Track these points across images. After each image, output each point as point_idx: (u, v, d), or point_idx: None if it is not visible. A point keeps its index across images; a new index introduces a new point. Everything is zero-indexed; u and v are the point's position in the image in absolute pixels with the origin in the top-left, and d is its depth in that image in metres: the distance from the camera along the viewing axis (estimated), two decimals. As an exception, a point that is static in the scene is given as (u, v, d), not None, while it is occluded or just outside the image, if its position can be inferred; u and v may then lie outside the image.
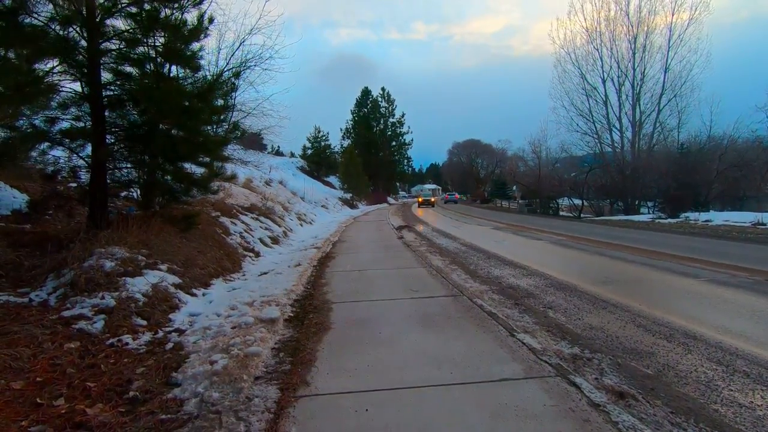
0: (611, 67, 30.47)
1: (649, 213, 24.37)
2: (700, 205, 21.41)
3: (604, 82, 30.81)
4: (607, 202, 29.89)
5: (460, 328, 4.26)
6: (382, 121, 56.01)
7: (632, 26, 29.57)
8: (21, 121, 5.56)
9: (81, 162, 6.21)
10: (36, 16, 5.27)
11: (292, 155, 50.84)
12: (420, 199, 46.28)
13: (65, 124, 5.92)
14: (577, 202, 30.58)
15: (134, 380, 3.05)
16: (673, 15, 28.64)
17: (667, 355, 3.59)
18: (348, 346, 3.81)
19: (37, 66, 5.42)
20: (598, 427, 2.42)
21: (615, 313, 4.83)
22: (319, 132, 47.72)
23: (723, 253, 9.07)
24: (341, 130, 55.22)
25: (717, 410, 2.70)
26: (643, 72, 29.48)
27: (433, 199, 46.82)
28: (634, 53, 29.49)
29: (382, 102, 55.85)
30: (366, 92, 55.25)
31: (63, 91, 5.81)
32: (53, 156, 6.17)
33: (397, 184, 74.45)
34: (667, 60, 28.70)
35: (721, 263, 7.77)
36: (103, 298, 4.19)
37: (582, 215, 28.50)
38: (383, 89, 56.14)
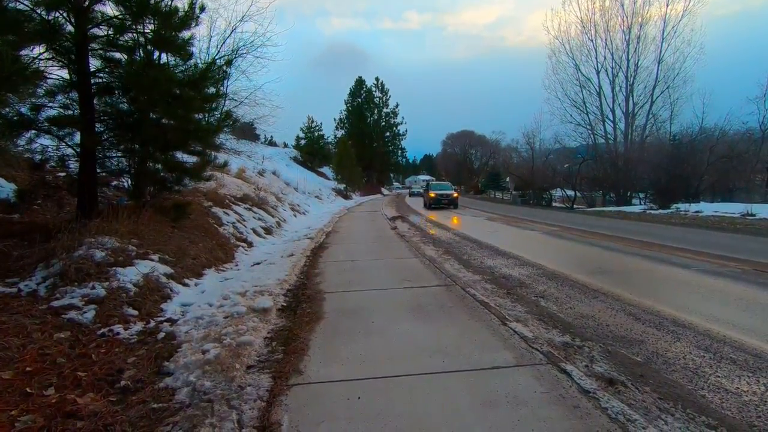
0: (605, 58, 30.61)
1: (640, 204, 24.60)
2: (691, 196, 21.64)
3: (598, 73, 30.95)
4: (599, 194, 30.12)
5: (453, 317, 4.28)
6: (376, 112, 55.73)
7: (627, 17, 29.68)
8: (6, 109, 5.44)
9: (70, 151, 6.11)
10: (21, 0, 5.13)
11: (286, 145, 50.52)
12: (432, 195, 24.34)
13: (53, 112, 5.81)
14: (570, 193, 30.79)
15: (125, 370, 3.03)
16: (667, 6, 28.74)
17: (656, 343, 3.64)
18: (340, 336, 3.81)
19: (22, 52, 5.30)
20: (588, 413, 2.46)
21: (606, 302, 4.88)
22: (312, 122, 47.48)
23: (713, 244, 9.18)
24: (335, 120, 55.02)
25: (704, 396, 2.74)
26: (637, 63, 29.64)
27: (455, 194, 25.02)
28: (628, 44, 29.62)
29: (376, 92, 55.57)
30: (360, 82, 54.89)
31: (50, 78, 5.69)
32: (41, 144, 6.05)
33: (391, 175, 74.38)
34: (660, 51, 28.88)
35: (711, 254, 7.87)
36: (93, 288, 4.15)
37: (575, 206, 28.70)
38: (377, 79, 55.87)
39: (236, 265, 7.01)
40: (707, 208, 17.39)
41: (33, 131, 5.77)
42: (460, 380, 2.92)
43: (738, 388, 2.84)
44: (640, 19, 29.33)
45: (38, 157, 6.09)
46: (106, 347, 3.40)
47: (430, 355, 3.33)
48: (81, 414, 2.43)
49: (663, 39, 28.73)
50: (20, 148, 6.19)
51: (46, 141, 6.07)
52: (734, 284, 5.62)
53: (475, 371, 3.05)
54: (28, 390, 2.62)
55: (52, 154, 6.14)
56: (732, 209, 16.12)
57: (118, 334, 3.67)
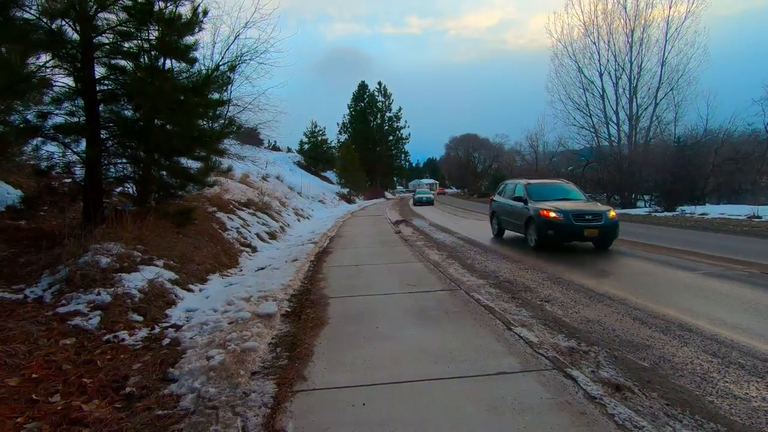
0: (608, 60, 30.55)
1: (645, 206, 24.44)
2: (696, 198, 21.51)
3: (601, 75, 30.88)
4: (603, 196, 29.93)
5: (457, 322, 4.27)
6: (379, 116, 55.83)
7: (629, 19, 29.63)
8: (14, 116, 5.49)
9: (75, 157, 6.16)
10: (27, 9, 5.19)
11: (289, 150, 50.72)
12: (548, 213, 8.85)
13: (59, 119, 5.86)
14: (574, 196, 30.61)
15: (131, 376, 3.04)
16: (670, 8, 28.68)
17: (663, 348, 3.60)
18: (345, 341, 3.80)
19: (29, 60, 5.35)
20: (595, 420, 2.43)
21: (611, 306, 4.84)
22: (315, 127, 47.67)
23: (719, 246, 9.11)
24: (338, 124, 55.16)
25: (712, 402, 2.71)
26: (640, 65, 29.56)
27: (611, 212, 8.92)
28: (631, 47, 29.55)
29: (378, 96, 55.70)
30: (363, 86, 55.04)
31: (56, 85, 5.75)
32: (47, 151, 6.10)
33: (395, 178, 74.36)
34: (664, 53, 28.78)
35: (717, 256, 7.81)
36: (98, 294, 4.17)
37: (579, 209, 28.49)
38: (380, 83, 55.97)
39: (240, 270, 7.02)
40: (713, 211, 17.27)
41: (39, 138, 5.82)
42: (465, 386, 2.90)
43: (747, 393, 2.81)
44: (642, 22, 29.32)
45: (44, 163, 6.14)
46: (111, 353, 3.41)
47: (435, 361, 3.31)
48: (86, 421, 2.43)
49: (666, 41, 28.67)
50: (26, 155, 6.24)
51: (52, 148, 6.13)
52: (741, 287, 5.57)
53: (480, 377, 3.03)
54: (34, 397, 2.63)
55: (57, 161, 6.18)
56: (738, 211, 15.99)
57: (123, 340, 3.68)
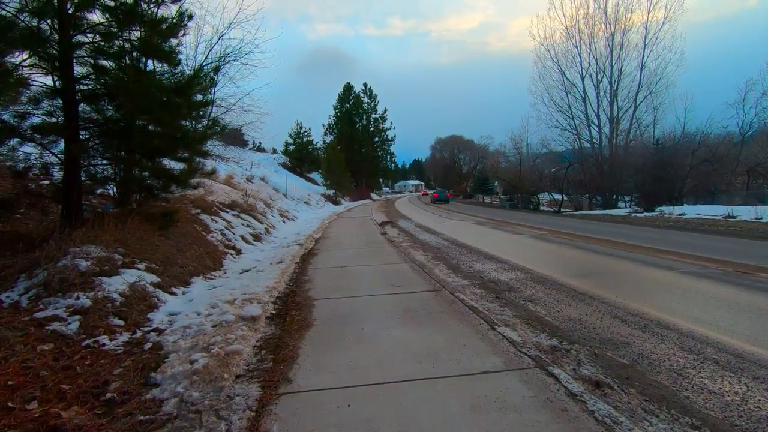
0: (590, 64, 31.15)
1: (626, 207, 24.98)
2: (675, 199, 22.08)
3: (582, 78, 31.45)
4: (585, 197, 30.52)
5: (442, 322, 4.30)
6: (364, 117, 55.74)
7: (610, 24, 30.25)
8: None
9: (54, 158, 6.02)
10: (4, 6, 5.07)
11: (274, 151, 50.33)
12: None
13: (36, 120, 5.73)
14: (557, 197, 31.17)
15: (111, 381, 2.99)
16: (648, 13, 29.41)
17: (641, 345, 3.69)
18: (330, 343, 3.81)
19: (5, 59, 5.22)
20: (576, 417, 2.49)
21: (592, 305, 4.94)
22: (300, 128, 47.33)
23: (695, 246, 9.36)
24: (324, 125, 54.80)
25: (688, 397, 2.79)
26: (620, 69, 30.20)
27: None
28: (611, 50, 30.17)
29: (364, 98, 55.62)
30: (348, 88, 54.91)
31: (34, 85, 5.61)
32: (23, 152, 5.95)
33: (381, 180, 74.34)
34: (643, 57, 29.45)
35: (694, 255, 8.02)
36: (78, 298, 4.09)
37: (562, 210, 29.02)
38: (365, 85, 55.93)
39: (224, 273, 6.95)
40: (690, 211, 17.75)
41: (16, 139, 5.67)
42: (449, 386, 2.93)
43: (720, 388, 2.90)
44: (622, 26, 29.97)
45: (21, 165, 5.98)
46: (91, 359, 3.34)
47: (420, 361, 3.34)
48: (65, 428, 2.38)
49: (645, 45, 29.35)
50: (2, 156, 6.08)
51: (29, 149, 5.98)
52: (716, 285, 5.73)
53: (464, 376, 3.06)
54: (10, 404, 2.56)
55: (35, 162, 6.04)
56: (714, 212, 16.47)
57: (103, 345, 3.61)
